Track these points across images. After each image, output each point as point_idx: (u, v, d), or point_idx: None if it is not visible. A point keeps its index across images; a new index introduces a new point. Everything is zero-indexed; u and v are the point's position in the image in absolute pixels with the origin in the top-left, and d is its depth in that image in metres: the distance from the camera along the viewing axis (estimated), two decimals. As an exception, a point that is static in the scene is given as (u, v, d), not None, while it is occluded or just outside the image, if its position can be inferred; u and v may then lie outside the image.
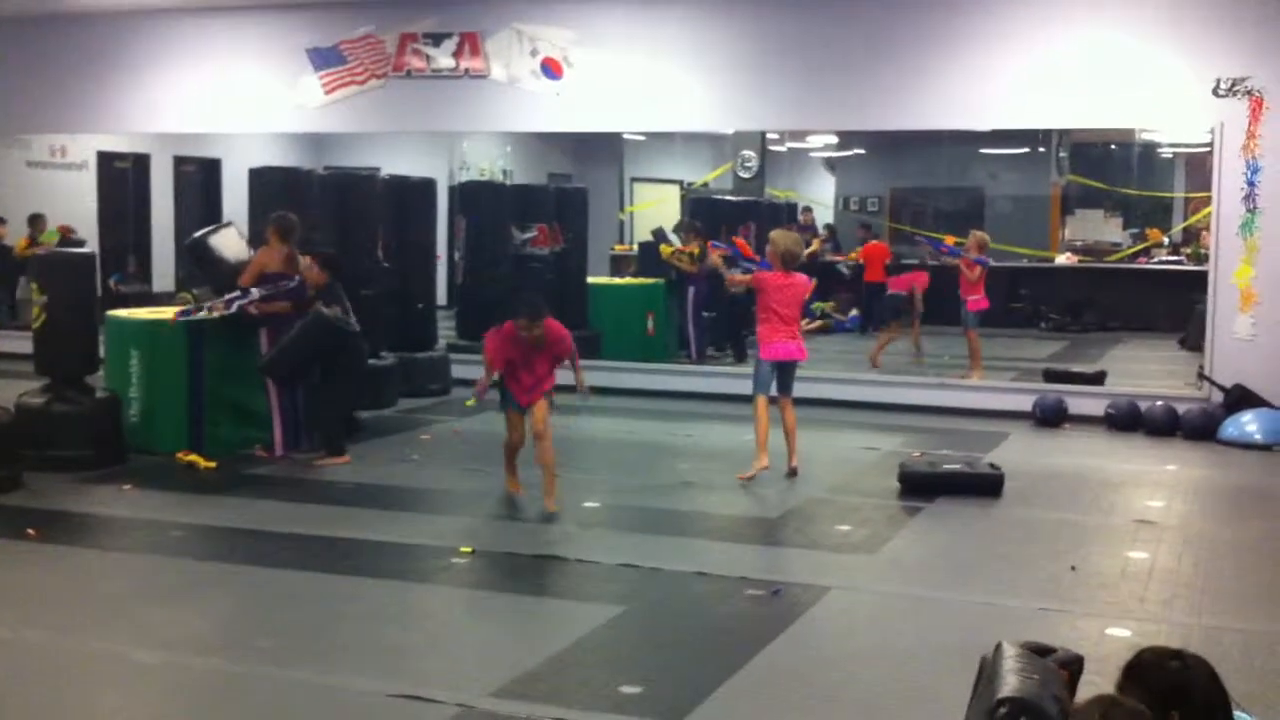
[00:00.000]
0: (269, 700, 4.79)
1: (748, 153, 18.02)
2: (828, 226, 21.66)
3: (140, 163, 14.94)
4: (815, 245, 19.96)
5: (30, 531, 7.06)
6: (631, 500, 8.17)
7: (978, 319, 13.18)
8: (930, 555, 6.96)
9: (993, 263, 13.50)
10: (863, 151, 22.77)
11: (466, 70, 12.75)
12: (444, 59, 12.76)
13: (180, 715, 4.78)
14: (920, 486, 8.19)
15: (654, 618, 5.82)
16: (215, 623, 5.81)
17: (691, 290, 14.35)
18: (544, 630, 5.60)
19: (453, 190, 16.08)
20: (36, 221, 15.02)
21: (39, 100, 14.08)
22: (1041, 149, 20.65)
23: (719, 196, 18.40)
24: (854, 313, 18.58)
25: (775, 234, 8.97)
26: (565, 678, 4.99)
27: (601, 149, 20.61)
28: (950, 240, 15.06)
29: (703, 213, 16.77)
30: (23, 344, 9.06)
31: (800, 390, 10.76)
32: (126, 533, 7.29)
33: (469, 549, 6.77)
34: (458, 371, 12.64)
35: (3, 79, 14.08)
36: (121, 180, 14.84)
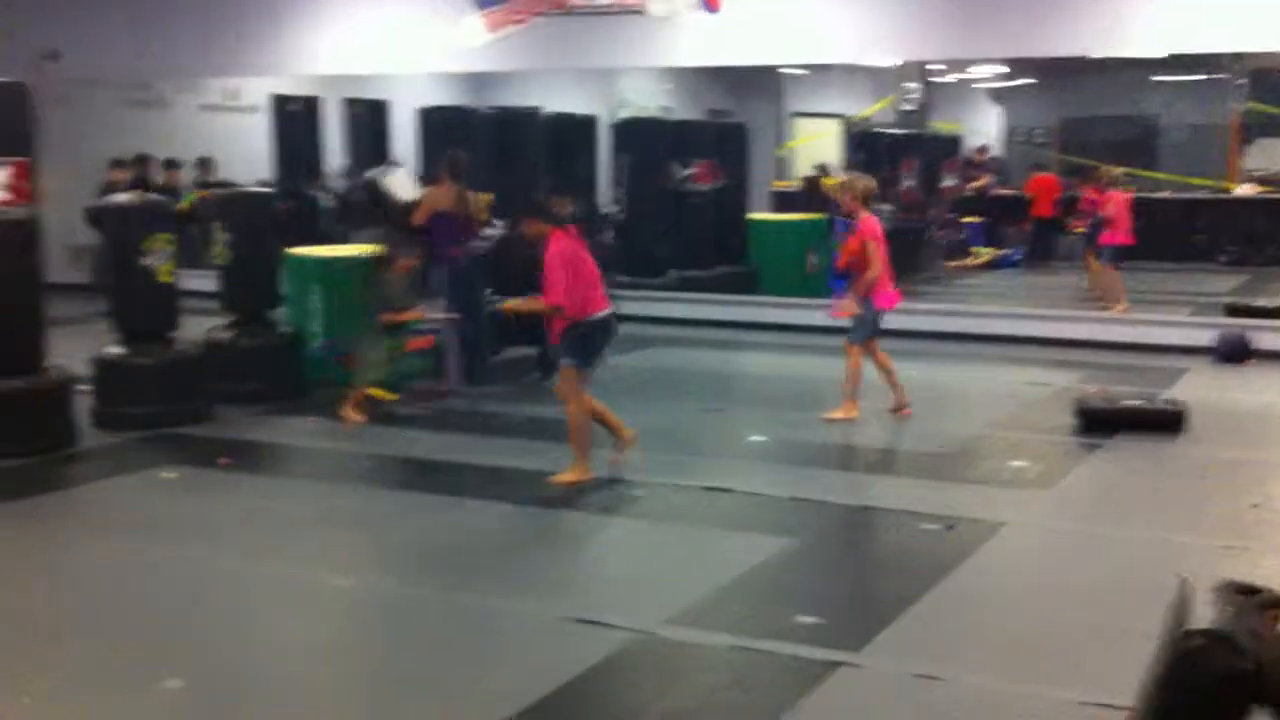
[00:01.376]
0: (448, 622, 4.95)
1: (910, 85, 17.69)
2: (994, 159, 21.20)
3: (311, 105, 15.29)
4: (982, 181, 19.57)
5: (221, 460, 7.38)
6: (795, 434, 8.16)
7: (1113, 253, 12.94)
8: (1107, 492, 6.84)
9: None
10: (1031, 81, 22.17)
11: (625, 6, 12.71)
12: (604, -5, 12.74)
13: (365, 635, 4.97)
14: (1097, 422, 8.01)
15: (825, 550, 5.84)
16: (397, 548, 6.01)
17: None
18: (715, 561, 5.65)
19: (613, 128, 16.14)
20: (206, 165, 15.48)
21: (211, 44, 14.48)
22: (1219, 75, 19.81)
23: (881, 130, 18.14)
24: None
25: (849, 179, 8.68)
26: (738, 607, 5.05)
27: (760, 84, 20.43)
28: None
29: (865, 147, 16.58)
30: (208, 282, 9.39)
31: (967, 325, 10.62)
32: (312, 462, 7.57)
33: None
34: (620, 308, 12.73)
35: (174, 24, 14.51)
36: (293, 123, 15.21)
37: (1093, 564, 5.61)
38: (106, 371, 8.23)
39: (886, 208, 13.26)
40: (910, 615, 4.93)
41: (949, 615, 5.00)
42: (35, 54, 14.78)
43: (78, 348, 8.60)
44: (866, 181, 8.46)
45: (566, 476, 6.83)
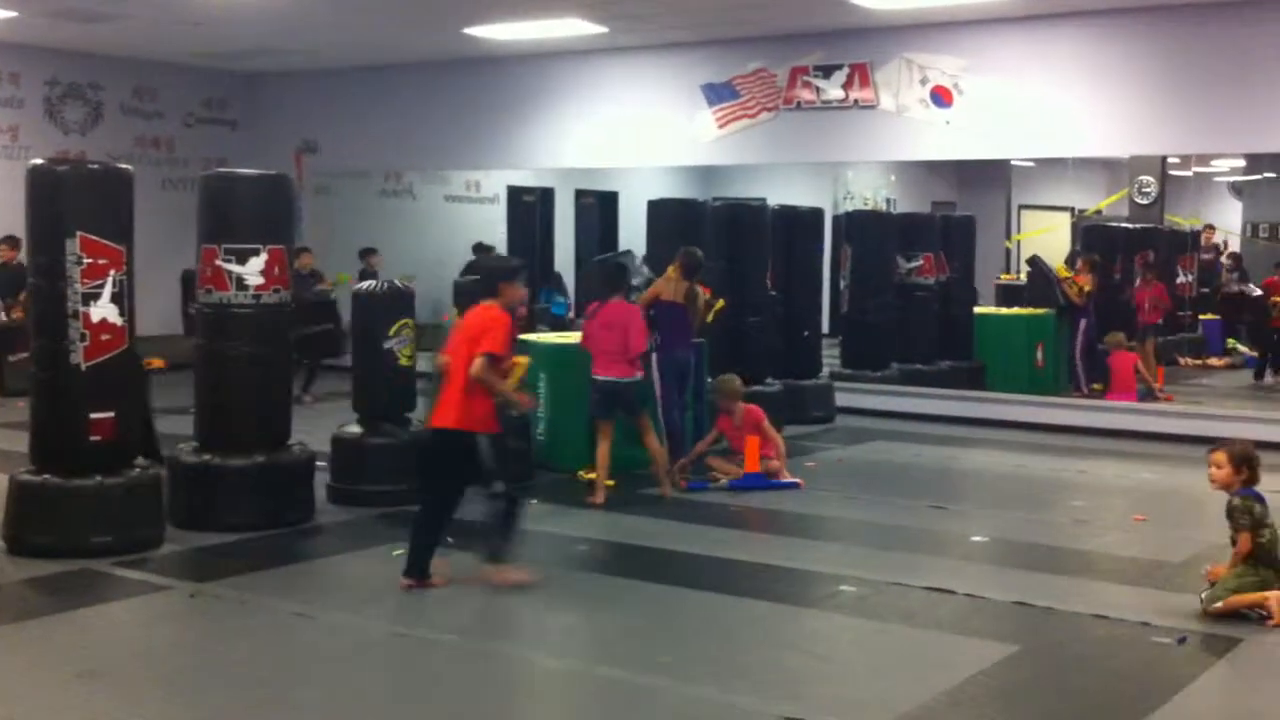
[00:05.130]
0: (667, 712, 4.99)
1: (1146, 178, 17.22)
2: (1233, 255, 20.41)
3: (545, 196, 15.90)
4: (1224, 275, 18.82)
5: (449, 539, 7.61)
6: (1021, 536, 7.98)
7: None
8: (1356, 611, 6.45)
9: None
10: (1273, 175, 21.31)
11: (855, 101, 12.84)
12: (833, 90, 12.90)
13: (586, 720, 5.06)
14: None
15: (1051, 659, 5.68)
16: (616, 634, 6.10)
17: (1082, 322, 13.91)
18: (936, 664, 5.55)
19: (837, 219, 16.20)
20: (483, 250, 16.14)
21: (458, 139, 15.21)
22: None
23: (1114, 224, 17.69)
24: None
25: (718, 382, 9.54)
26: (959, 714, 4.95)
27: (987, 175, 20.23)
28: None
29: (1097, 241, 16.20)
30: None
31: (1209, 429, 10.27)
32: (536, 544, 7.74)
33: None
34: (842, 400, 12.72)
35: (428, 119, 15.30)
36: (528, 212, 15.84)
37: (1340, 688, 5.31)
38: (344, 450, 8.63)
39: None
40: (1140, 732, 4.76)
41: (1181, 735, 4.80)
42: (295, 146, 15.79)
43: (318, 425, 9.06)
44: (731, 385, 9.41)
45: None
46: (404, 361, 8.61)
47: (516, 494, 6.77)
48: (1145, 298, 15.30)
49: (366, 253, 15.03)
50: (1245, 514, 6.16)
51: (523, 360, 6.86)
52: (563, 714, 5.13)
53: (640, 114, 13.97)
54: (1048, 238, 20.05)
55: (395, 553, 7.33)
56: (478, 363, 6.30)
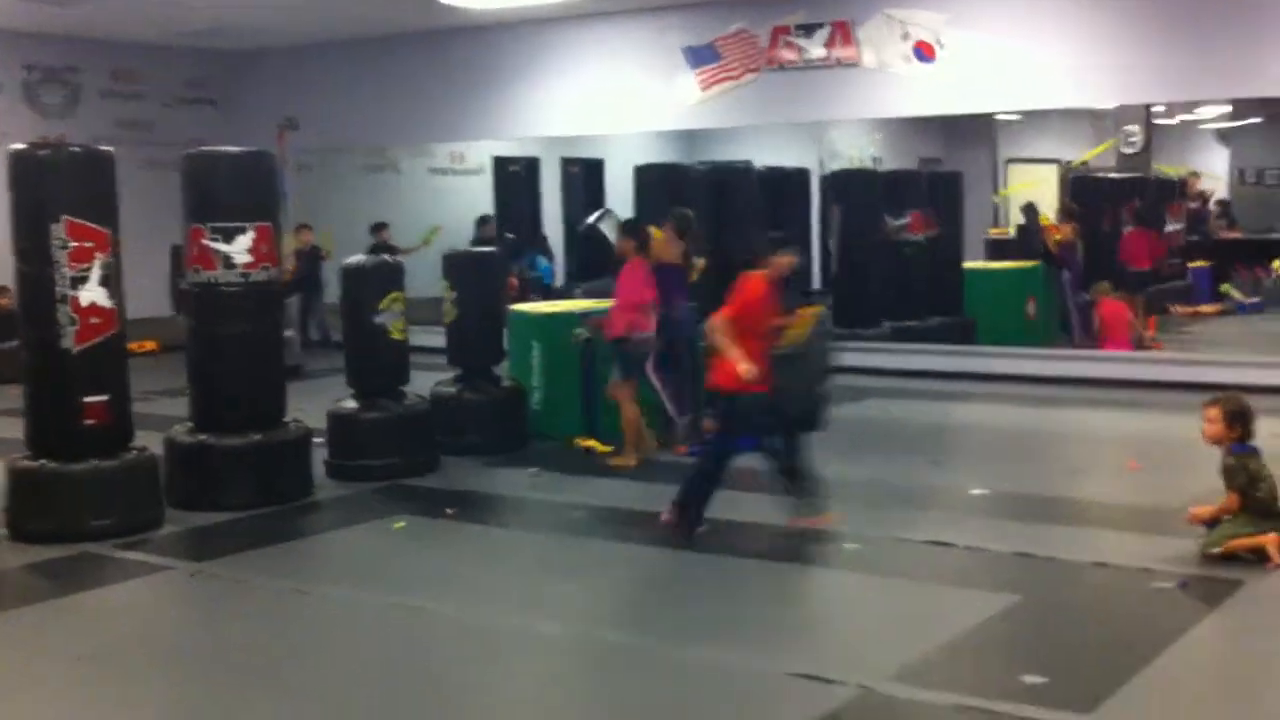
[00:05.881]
0: (670, 674, 5.00)
1: (1131, 127, 17.21)
2: (1220, 202, 20.43)
3: (531, 166, 15.87)
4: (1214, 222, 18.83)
5: (448, 511, 7.63)
6: (1019, 487, 7.99)
7: None
8: (1354, 550, 6.47)
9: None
10: (1259, 120, 21.31)
11: (838, 59, 12.77)
12: (816, 49, 12.83)
13: (586, 687, 5.06)
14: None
15: (1053, 608, 5.70)
16: (616, 598, 6.12)
17: (1066, 273, 13.94)
18: (938, 616, 5.57)
19: (823, 179, 16.16)
20: (486, 223, 16.04)
21: (440, 111, 15.12)
22: None
23: (1101, 175, 17.69)
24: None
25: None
26: (963, 665, 4.98)
27: (973, 131, 20.15)
28: None
29: (1085, 192, 16.21)
30: (436, 338, 9.76)
31: (1201, 375, 10.29)
32: (533, 512, 7.76)
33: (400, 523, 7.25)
34: (833, 360, 12.72)
35: (409, 92, 15.20)
36: (514, 183, 15.81)
37: (1341, 627, 5.34)
38: (340, 425, 8.62)
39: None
40: (1143, 677, 4.77)
41: (1184, 678, 4.83)
42: (276, 123, 15.69)
43: (314, 402, 9.04)
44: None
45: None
46: (396, 335, 8.57)
47: (719, 464, 6.95)
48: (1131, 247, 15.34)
49: (378, 228, 15.04)
50: (1240, 472, 6.17)
51: (807, 312, 7.05)
52: (563, 679, 5.13)
53: (622, 79, 13.89)
54: (1035, 191, 20.04)
55: (396, 525, 7.36)
56: (712, 321, 6.75)
